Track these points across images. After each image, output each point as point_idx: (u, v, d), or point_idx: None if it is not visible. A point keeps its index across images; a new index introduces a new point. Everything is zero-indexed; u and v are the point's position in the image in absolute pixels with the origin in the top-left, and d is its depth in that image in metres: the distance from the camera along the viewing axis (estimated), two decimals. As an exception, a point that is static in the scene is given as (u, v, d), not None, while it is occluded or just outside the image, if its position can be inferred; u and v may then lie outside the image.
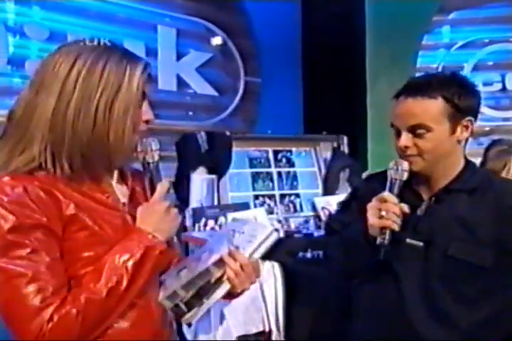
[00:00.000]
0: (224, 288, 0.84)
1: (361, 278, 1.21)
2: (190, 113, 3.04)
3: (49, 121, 0.78)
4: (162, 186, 0.85)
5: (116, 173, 0.89)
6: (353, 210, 1.18)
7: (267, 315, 1.88)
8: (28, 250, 0.74)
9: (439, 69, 3.26)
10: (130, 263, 0.78)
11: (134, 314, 0.83)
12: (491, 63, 3.32)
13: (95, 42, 0.83)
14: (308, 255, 2.04)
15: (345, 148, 2.85)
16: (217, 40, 3.04)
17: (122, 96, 0.80)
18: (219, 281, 0.83)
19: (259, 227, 0.88)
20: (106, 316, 0.78)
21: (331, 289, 1.75)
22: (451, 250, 1.01)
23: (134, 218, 0.85)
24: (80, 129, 0.79)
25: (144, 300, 0.84)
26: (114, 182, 0.88)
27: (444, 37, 3.37)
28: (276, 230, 0.89)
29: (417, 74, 3.26)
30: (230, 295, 0.88)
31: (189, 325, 0.97)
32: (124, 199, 0.87)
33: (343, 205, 1.29)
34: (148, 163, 0.87)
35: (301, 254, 2.04)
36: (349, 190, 2.87)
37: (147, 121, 0.86)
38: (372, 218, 1.02)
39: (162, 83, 2.88)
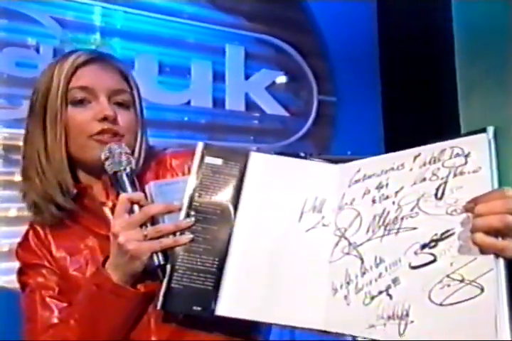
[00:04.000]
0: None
1: None
2: (259, 135, 2.84)
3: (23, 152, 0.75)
4: (119, 202, 0.64)
5: (102, 193, 0.74)
6: None
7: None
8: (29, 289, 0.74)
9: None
10: (81, 308, 0.66)
11: None
12: None
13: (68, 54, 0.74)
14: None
15: (438, 172, 2.48)
16: (283, 79, 2.86)
17: (50, 100, 0.70)
18: None
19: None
20: None
21: None
22: None
23: None
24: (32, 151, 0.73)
25: None
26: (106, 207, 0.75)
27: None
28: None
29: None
30: None
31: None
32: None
33: None
34: (116, 172, 0.68)
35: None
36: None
37: (104, 119, 0.69)
38: None
39: (230, 104, 2.72)
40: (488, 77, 2.82)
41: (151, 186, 0.67)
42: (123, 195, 0.66)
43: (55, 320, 0.70)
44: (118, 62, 0.75)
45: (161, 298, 0.62)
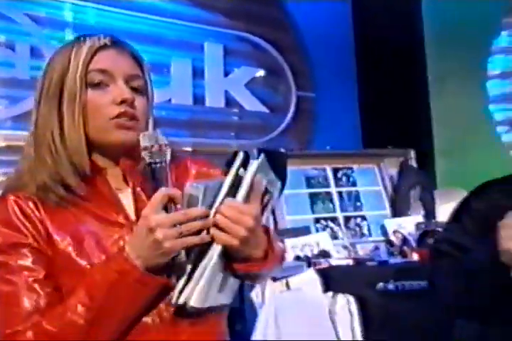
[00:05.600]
0: (215, 249, 0.65)
1: (476, 317, 0.95)
2: (240, 131, 2.88)
3: (33, 136, 0.74)
4: (157, 197, 0.65)
5: (119, 173, 0.74)
6: (469, 228, 0.96)
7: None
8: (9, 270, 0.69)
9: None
10: (96, 293, 0.65)
11: None
12: None
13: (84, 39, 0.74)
14: (391, 286, 1.75)
15: (413, 163, 2.56)
16: (265, 58, 2.91)
17: (68, 82, 0.71)
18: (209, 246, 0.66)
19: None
20: None
21: (424, 328, 1.44)
22: None
23: None
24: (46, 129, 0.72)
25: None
26: (120, 184, 0.74)
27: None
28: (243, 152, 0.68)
29: (490, 82, 3.00)
30: (245, 263, 0.68)
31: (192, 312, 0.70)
32: (131, 211, 0.73)
33: (452, 222, 1.04)
34: (152, 164, 0.67)
35: (381, 285, 1.76)
36: (421, 210, 2.59)
37: (123, 102, 0.71)
38: (507, 241, 0.80)
39: (210, 101, 2.75)
40: (458, 69, 2.91)
41: (188, 187, 0.65)
42: (162, 190, 0.65)
43: (42, 305, 0.67)
44: (132, 48, 0.76)
45: (186, 294, 0.63)
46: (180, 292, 0.64)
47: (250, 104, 2.87)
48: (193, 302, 0.64)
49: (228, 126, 2.87)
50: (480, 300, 0.90)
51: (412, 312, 1.51)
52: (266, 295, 1.55)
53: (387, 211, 2.50)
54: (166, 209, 0.65)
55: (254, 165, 0.68)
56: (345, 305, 1.59)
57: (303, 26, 2.98)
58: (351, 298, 1.61)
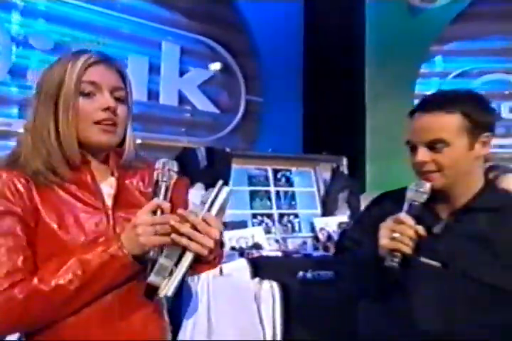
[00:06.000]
0: (188, 255, 0.81)
1: (371, 299, 1.15)
2: (191, 129, 3.03)
3: (30, 130, 0.87)
4: (150, 204, 0.83)
5: (100, 167, 0.90)
6: (366, 228, 1.14)
7: (264, 338, 1.81)
8: None
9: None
10: (88, 268, 0.80)
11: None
12: (485, 93, 3.39)
13: (82, 52, 0.89)
14: (309, 275, 2.01)
15: (344, 169, 2.84)
16: (217, 66, 3.05)
17: (64, 90, 0.85)
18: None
19: (210, 190, 0.87)
20: (50, 310, 0.80)
21: (335, 310, 1.70)
22: (471, 271, 0.97)
23: (116, 217, 0.87)
24: (42, 127, 0.86)
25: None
26: (102, 176, 0.90)
27: (438, 66, 3.46)
28: (225, 184, 0.88)
29: (416, 101, 3.35)
30: (204, 263, 0.85)
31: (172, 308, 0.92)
32: (108, 198, 0.88)
33: (356, 224, 1.25)
34: (157, 181, 0.84)
35: (301, 274, 2.01)
36: (347, 211, 2.87)
37: (107, 109, 0.87)
38: (383, 239, 0.99)
39: (164, 98, 2.88)
40: (393, 87, 3.25)
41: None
42: (155, 199, 0.82)
43: (22, 266, 0.78)
44: (118, 64, 0.91)
45: (167, 287, 0.79)
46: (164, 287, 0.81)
47: (202, 103, 3.03)
48: (170, 294, 0.82)
49: (180, 123, 3.01)
50: (370, 283, 1.09)
51: (325, 297, 1.75)
52: (201, 278, 1.74)
53: (318, 210, 2.77)
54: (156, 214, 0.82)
55: (225, 190, 0.85)
56: (269, 289, 1.83)
57: (256, 29, 3.11)
58: (275, 284, 1.85)
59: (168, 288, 0.81)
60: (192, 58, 3.02)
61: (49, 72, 0.88)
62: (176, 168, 0.86)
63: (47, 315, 0.81)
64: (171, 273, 0.81)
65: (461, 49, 3.44)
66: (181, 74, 2.96)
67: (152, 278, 0.81)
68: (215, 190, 0.85)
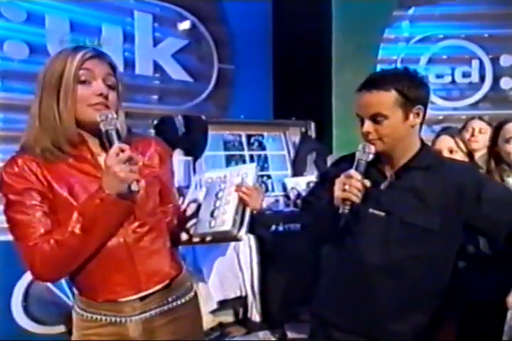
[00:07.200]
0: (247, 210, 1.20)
1: (329, 245, 1.37)
2: (166, 97, 3.14)
3: (37, 114, 1.04)
4: (112, 149, 0.99)
5: (96, 143, 1.07)
6: (326, 186, 1.32)
7: (244, 282, 2.08)
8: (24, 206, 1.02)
9: (398, 62, 3.50)
10: (85, 214, 0.99)
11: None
12: (444, 57, 3.60)
13: (81, 47, 1.06)
14: (281, 228, 2.28)
15: (312, 133, 3.07)
16: (186, 25, 3.12)
17: (64, 78, 1.02)
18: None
19: (241, 168, 1.28)
20: (73, 252, 1.02)
21: (303, 257, 1.97)
22: (406, 217, 1.21)
23: None
24: (48, 112, 1.03)
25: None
26: (98, 151, 1.06)
27: (404, 31, 3.61)
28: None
29: (379, 65, 3.51)
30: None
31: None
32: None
33: (319, 182, 1.46)
34: (107, 131, 1.00)
35: (274, 227, 2.27)
36: (315, 171, 3.12)
37: (100, 94, 1.03)
38: (337, 191, 1.19)
39: (139, 68, 2.96)
40: (357, 53, 3.39)
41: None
42: (116, 144, 0.97)
43: (48, 229, 0.99)
44: (109, 58, 1.08)
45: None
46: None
47: (176, 72, 3.12)
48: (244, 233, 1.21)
49: (154, 91, 3.11)
50: (330, 229, 1.30)
51: (295, 246, 2.02)
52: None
53: (289, 171, 3.01)
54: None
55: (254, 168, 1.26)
56: (247, 240, 2.09)
57: (227, 1, 3.19)
58: (251, 236, 2.11)
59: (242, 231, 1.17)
60: (165, 27, 3.07)
61: (51, 65, 1.04)
62: (115, 115, 1.01)
63: (73, 256, 1.02)
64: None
65: (424, 14, 3.56)
66: (155, 43, 3.03)
67: (230, 229, 1.14)
68: (250, 166, 1.26)
